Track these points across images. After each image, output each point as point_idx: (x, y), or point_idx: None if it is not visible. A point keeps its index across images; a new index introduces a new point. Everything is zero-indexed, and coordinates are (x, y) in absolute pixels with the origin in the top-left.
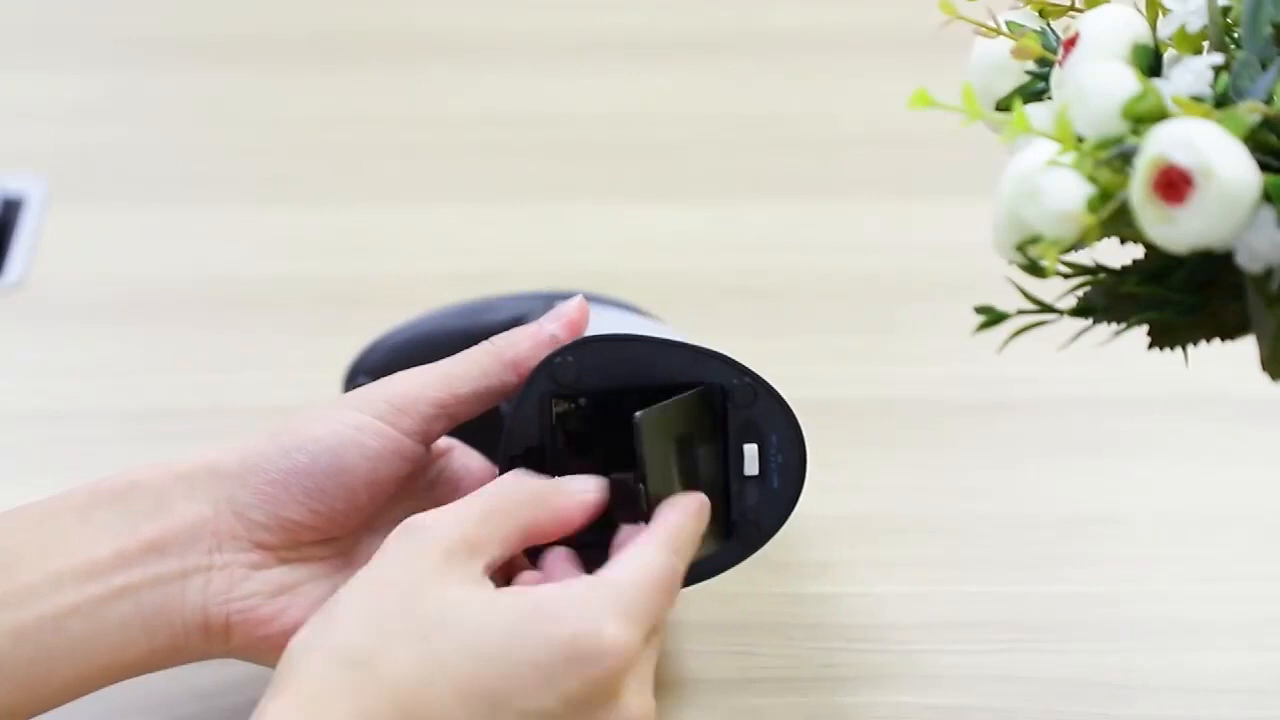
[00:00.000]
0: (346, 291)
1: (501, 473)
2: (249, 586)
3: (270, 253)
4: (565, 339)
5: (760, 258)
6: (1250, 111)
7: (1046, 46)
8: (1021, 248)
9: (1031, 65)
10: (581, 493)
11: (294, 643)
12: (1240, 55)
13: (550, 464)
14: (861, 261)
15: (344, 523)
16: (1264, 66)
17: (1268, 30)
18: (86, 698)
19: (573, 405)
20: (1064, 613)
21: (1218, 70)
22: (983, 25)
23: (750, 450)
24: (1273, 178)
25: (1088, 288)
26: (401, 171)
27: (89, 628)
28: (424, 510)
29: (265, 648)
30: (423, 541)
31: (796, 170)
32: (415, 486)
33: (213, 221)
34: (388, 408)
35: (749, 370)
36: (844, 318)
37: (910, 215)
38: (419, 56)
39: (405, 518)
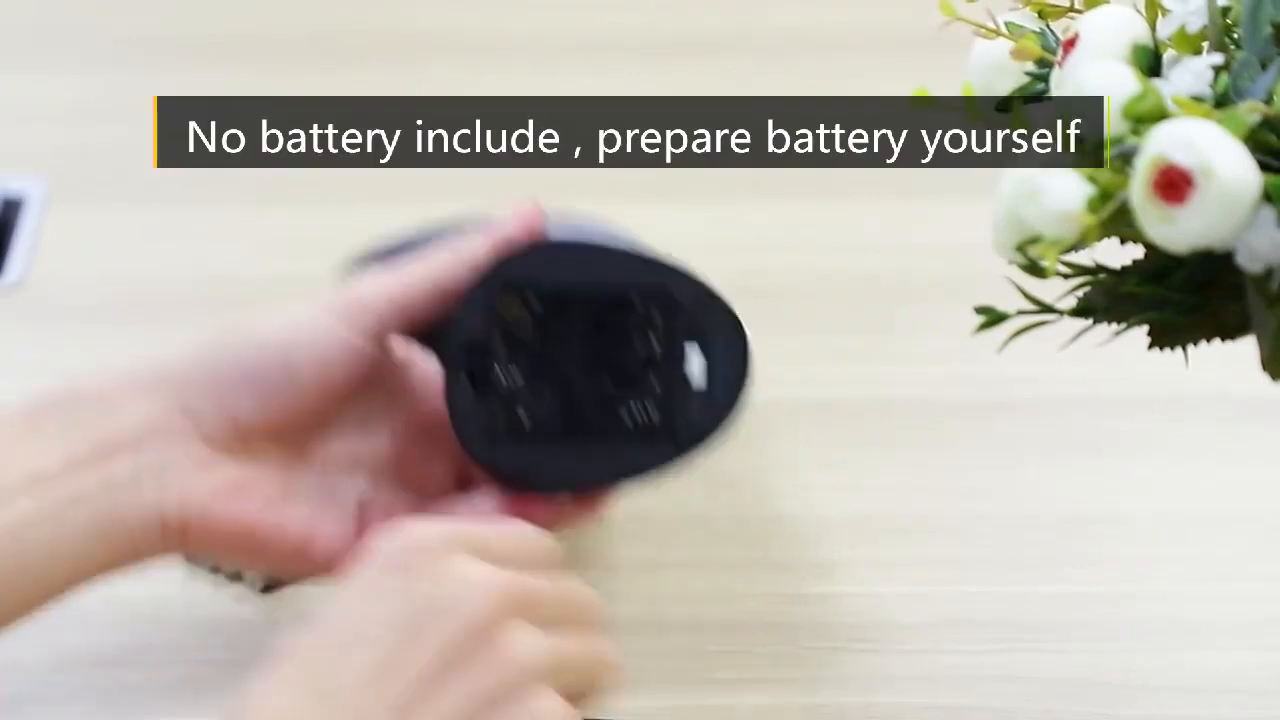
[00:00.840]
0: None
1: (446, 365)
2: (202, 484)
3: (270, 253)
4: (520, 240)
5: (760, 258)
6: (1250, 111)
7: (1046, 47)
8: (1021, 248)
9: (1031, 66)
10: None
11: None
12: (1240, 55)
13: (494, 361)
14: (861, 261)
15: (295, 420)
16: (1264, 66)
17: (1267, 30)
18: None
19: (524, 307)
20: (1064, 613)
21: (1218, 70)
22: (982, 26)
23: (695, 355)
24: (1273, 178)
25: (1088, 288)
26: (401, 171)
27: (46, 537)
28: (382, 413)
29: (221, 544)
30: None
31: (796, 170)
32: (373, 390)
33: (213, 221)
34: (343, 306)
35: (696, 276)
36: (844, 318)
37: (910, 215)
38: (419, 56)
39: (359, 417)
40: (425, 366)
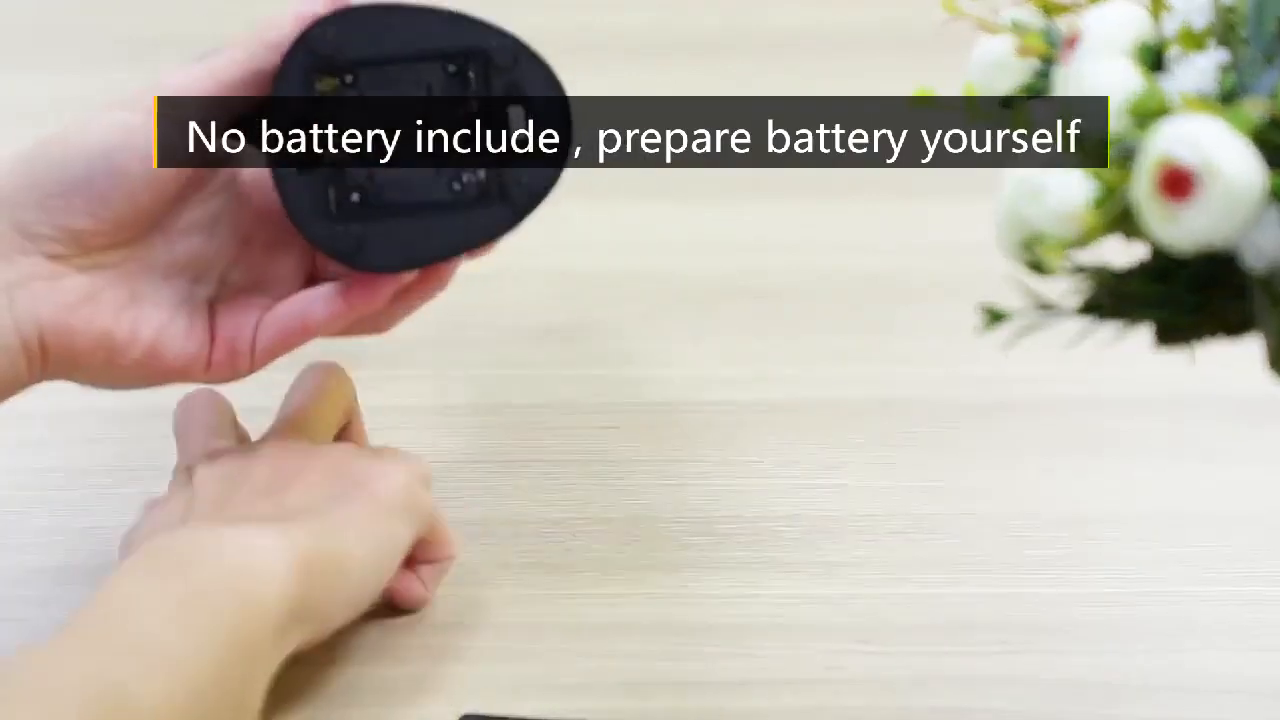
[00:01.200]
0: None
1: (267, 148)
2: (53, 298)
3: None
4: (326, 12)
5: (760, 258)
6: (1256, 108)
7: (1049, 44)
8: (1025, 247)
9: (1034, 63)
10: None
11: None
12: (1245, 51)
13: (315, 139)
14: (861, 261)
15: (131, 224)
16: (1269, 62)
17: (1273, 26)
18: None
19: (338, 80)
20: (1064, 613)
21: (1223, 67)
22: (986, 22)
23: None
24: (1278, 176)
25: (1092, 287)
26: None
27: None
28: (223, 212)
29: (79, 361)
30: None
31: (796, 170)
32: (208, 187)
33: None
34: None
35: (508, 33)
36: (844, 318)
37: (910, 215)
38: None
39: (201, 218)
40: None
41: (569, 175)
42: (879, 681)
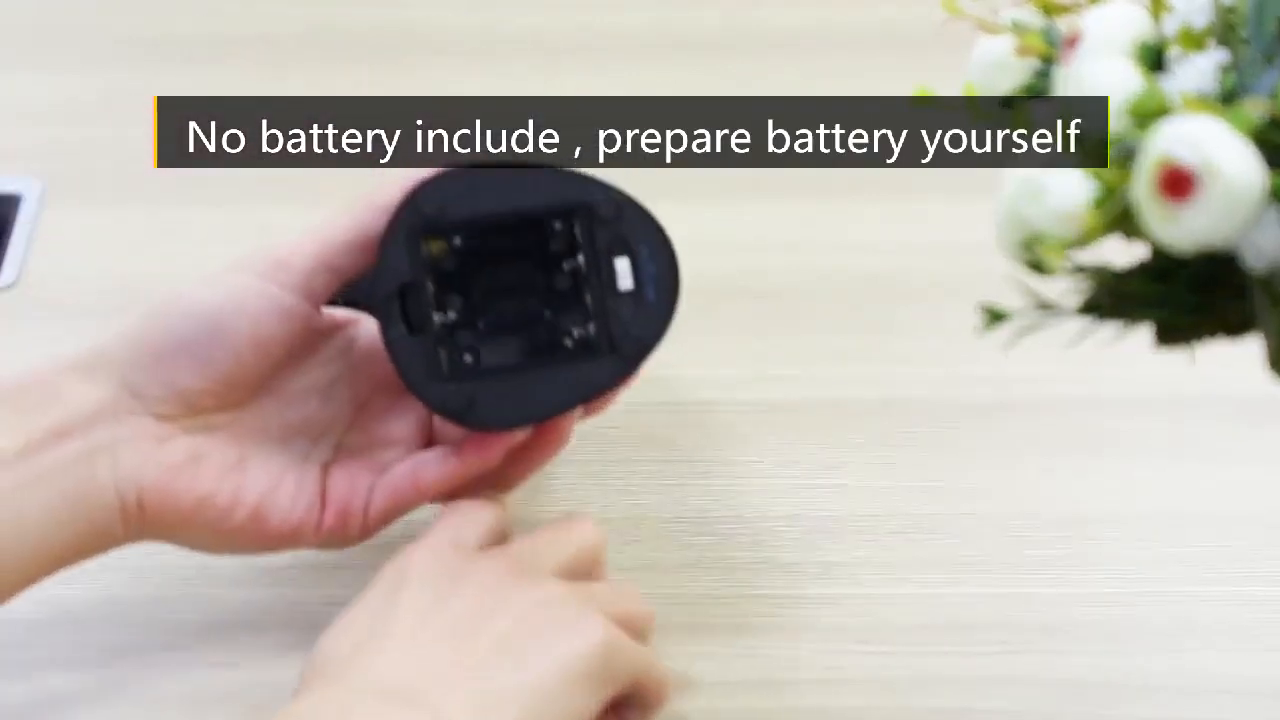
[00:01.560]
0: None
1: (379, 315)
2: (156, 460)
3: None
4: (430, 174)
5: (760, 258)
6: (1256, 108)
7: (1049, 44)
8: (1025, 247)
9: (1034, 63)
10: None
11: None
12: (1245, 51)
13: (426, 300)
14: (861, 261)
15: (238, 386)
16: (1269, 62)
17: (1273, 26)
18: None
19: (444, 242)
20: (1064, 613)
21: (1223, 67)
22: (986, 22)
23: (622, 265)
24: (1278, 176)
25: (1092, 287)
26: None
27: (12, 518)
28: (338, 377)
29: (179, 521)
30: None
31: (796, 170)
32: (323, 353)
33: (212, 221)
34: (264, 266)
35: (610, 186)
36: (844, 318)
37: (910, 215)
38: (418, 56)
39: (316, 383)
40: (373, 328)
41: None
42: (879, 681)
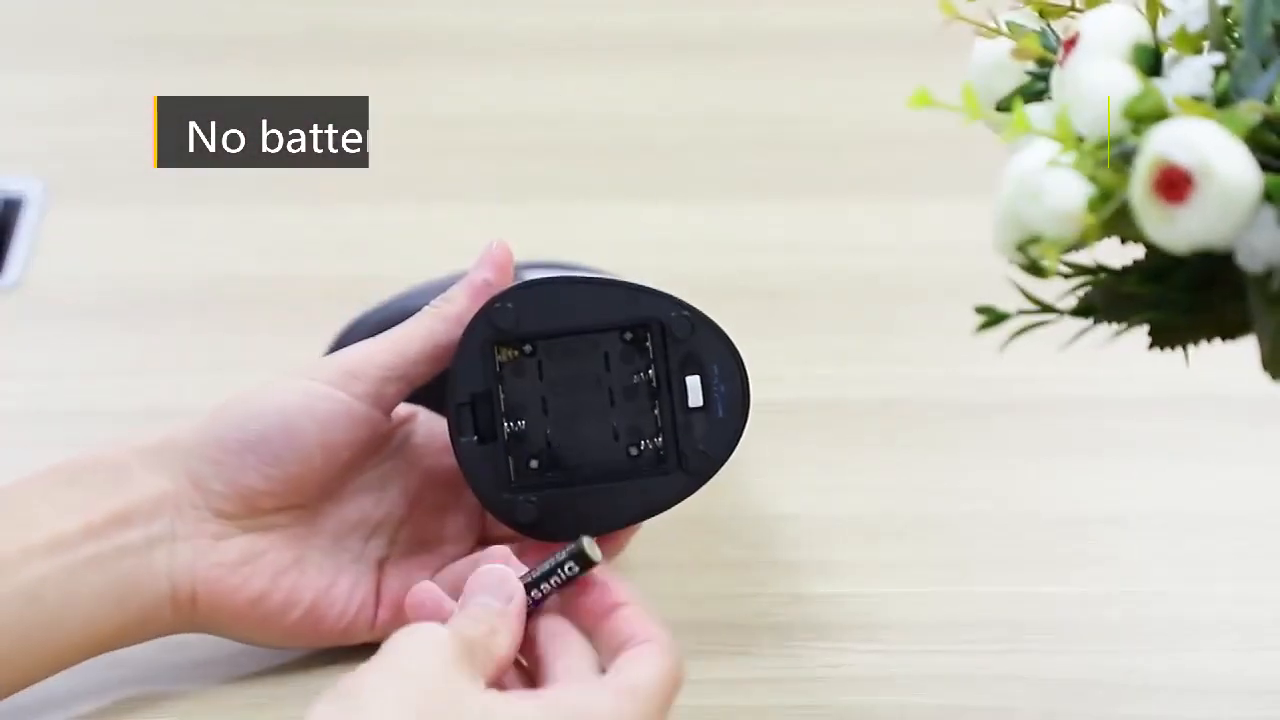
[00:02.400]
0: (346, 291)
1: (450, 423)
2: (213, 556)
3: (270, 253)
4: (498, 282)
5: (760, 258)
6: (1251, 111)
7: (1046, 46)
8: (1022, 248)
9: (1032, 65)
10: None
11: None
12: (1241, 55)
13: (497, 409)
14: (861, 261)
15: (302, 489)
16: (1264, 66)
17: (1268, 29)
18: None
19: (517, 352)
20: (1064, 613)
21: (1218, 70)
22: (983, 25)
23: (693, 382)
24: (1273, 177)
25: (1088, 288)
26: (401, 171)
27: (63, 597)
28: (392, 474)
29: (231, 618)
30: (432, 638)
31: (796, 170)
32: (382, 454)
33: (213, 221)
34: (338, 374)
35: (684, 302)
36: (844, 318)
37: (910, 215)
38: (419, 56)
39: (370, 481)
40: (429, 423)
41: (569, 175)
42: (879, 680)
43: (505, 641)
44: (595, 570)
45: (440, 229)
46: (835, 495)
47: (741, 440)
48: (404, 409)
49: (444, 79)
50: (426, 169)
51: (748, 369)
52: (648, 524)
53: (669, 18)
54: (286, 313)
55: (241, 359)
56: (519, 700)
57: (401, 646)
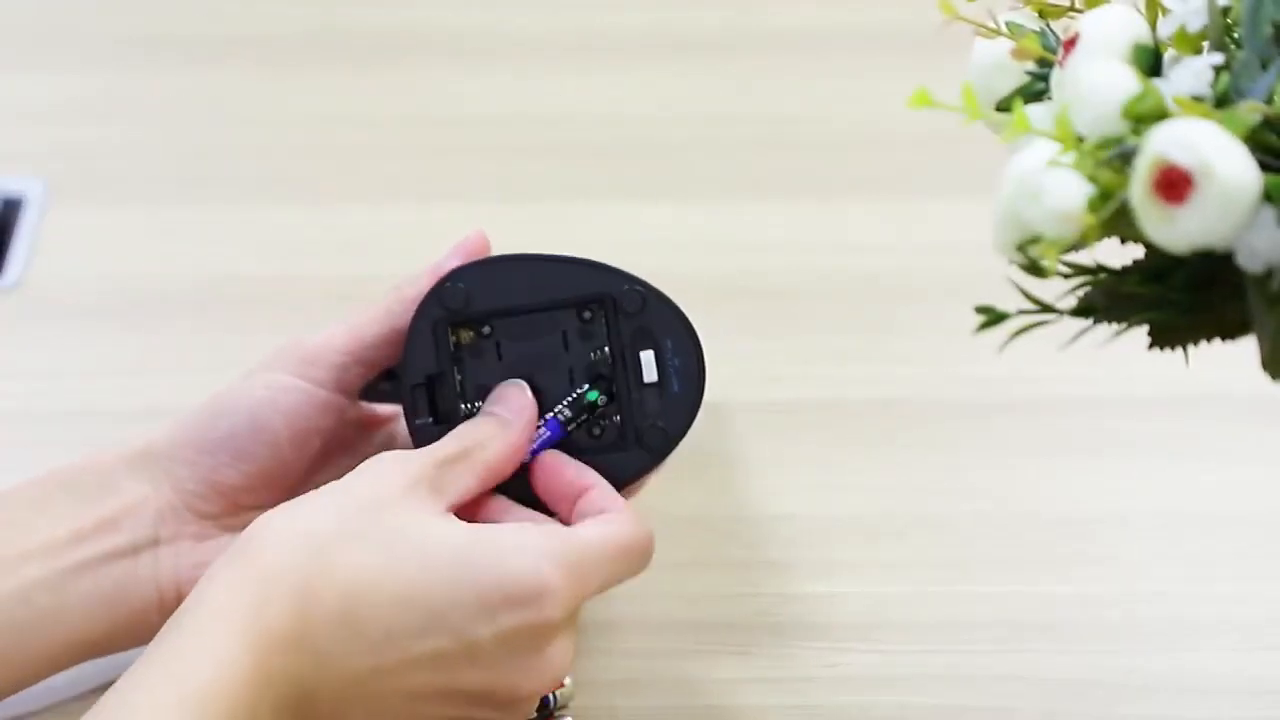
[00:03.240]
0: (346, 291)
1: (405, 405)
2: (196, 557)
3: (270, 253)
4: (456, 268)
5: (760, 258)
6: (1250, 111)
7: (1046, 47)
8: (1022, 248)
9: (1031, 65)
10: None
11: (258, 520)
12: (1240, 55)
13: (452, 390)
14: (861, 261)
15: (276, 481)
16: (1264, 66)
17: (1268, 30)
18: None
19: (475, 333)
20: (1064, 613)
21: (1218, 70)
22: (983, 26)
23: (647, 357)
24: (1273, 177)
25: (1088, 288)
26: (401, 171)
27: (54, 602)
28: None
29: None
30: (392, 469)
31: (796, 170)
32: (359, 449)
33: (213, 221)
34: (297, 362)
35: (635, 277)
36: (844, 318)
37: (910, 215)
38: (419, 56)
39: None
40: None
41: (569, 175)
42: (878, 680)
43: (498, 449)
44: (566, 458)
45: (440, 229)
46: (835, 495)
47: (706, 413)
48: (386, 409)
49: (444, 79)
50: (426, 169)
51: (703, 344)
52: (646, 521)
53: (669, 18)
54: (286, 313)
55: (241, 359)
56: (448, 526)
57: (362, 469)
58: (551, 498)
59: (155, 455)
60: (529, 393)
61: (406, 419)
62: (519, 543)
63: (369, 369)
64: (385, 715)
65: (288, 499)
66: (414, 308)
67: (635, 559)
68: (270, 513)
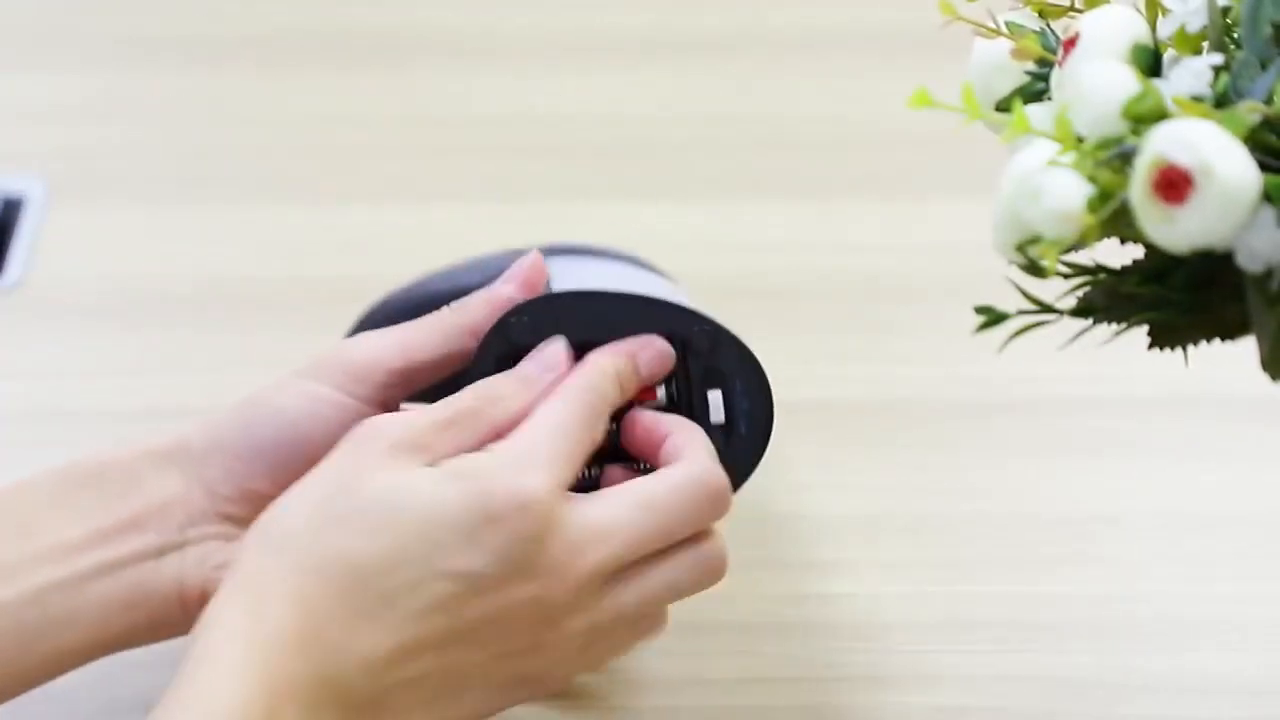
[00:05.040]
0: (346, 291)
1: None
2: (222, 559)
3: (270, 253)
4: (521, 299)
5: (760, 258)
6: (1250, 111)
7: (1046, 47)
8: (1021, 248)
9: (1031, 65)
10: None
11: (244, 537)
12: (1240, 55)
13: None
14: (861, 261)
15: None
16: (1264, 66)
17: (1267, 30)
18: None
19: None
20: (1064, 613)
21: (1217, 70)
22: (983, 26)
23: (715, 397)
24: (1272, 178)
25: (1088, 288)
26: (401, 171)
27: (69, 604)
28: None
29: None
30: (370, 437)
31: (796, 170)
32: None
33: (213, 221)
34: (344, 377)
35: (708, 318)
36: (844, 318)
37: (910, 215)
38: (418, 56)
39: None
40: None
41: (569, 175)
42: (878, 680)
43: (511, 407)
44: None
45: (440, 229)
46: (835, 495)
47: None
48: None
49: (444, 79)
50: (426, 169)
51: (772, 388)
52: None
53: (669, 18)
54: (286, 313)
55: (241, 359)
56: (439, 482)
57: (341, 447)
58: (638, 452)
59: (188, 453)
60: (564, 349)
61: None
62: (482, 462)
63: (412, 388)
64: (430, 696)
65: None
66: (469, 337)
67: (691, 499)
68: (255, 522)
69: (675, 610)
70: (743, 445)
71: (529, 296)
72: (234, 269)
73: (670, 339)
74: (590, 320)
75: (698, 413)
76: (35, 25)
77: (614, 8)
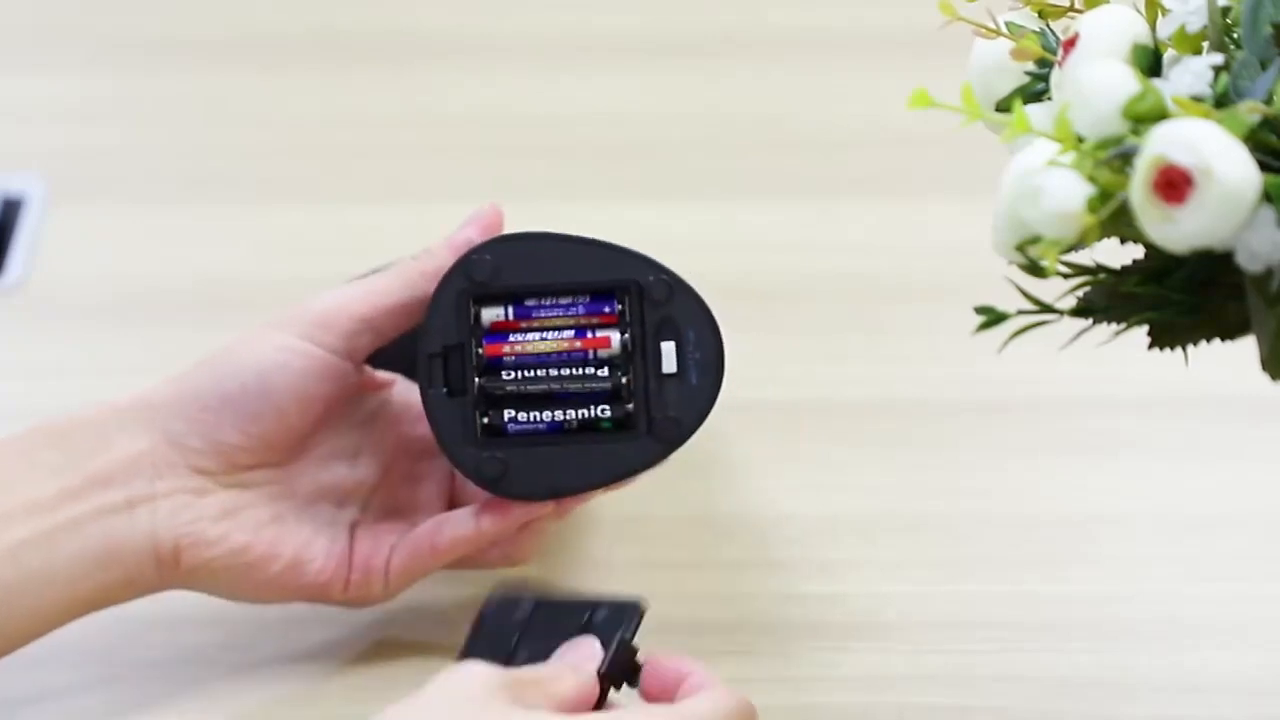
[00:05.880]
0: None
1: (420, 374)
2: (193, 512)
3: (270, 253)
4: (481, 241)
5: (760, 258)
6: (1250, 111)
7: (1046, 47)
8: (1021, 248)
9: (1031, 66)
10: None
11: None
12: (1240, 55)
13: (469, 363)
14: (861, 261)
15: (278, 444)
16: (1264, 66)
17: (1267, 30)
18: None
19: (495, 307)
20: (1064, 613)
21: (1217, 70)
22: (982, 26)
23: (668, 347)
24: (1272, 178)
25: (1088, 288)
26: (401, 171)
27: (43, 560)
28: (366, 440)
29: (212, 572)
30: (473, 676)
31: (796, 170)
32: (353, 415)
33: (212, 221)
34: (310, 326)
35: (665, 267)
36: (844, 318)
37: (910, 215)
38: (419, 56)
39: (345, 446)
40: (406, 392)
41: (569, 175)
42: (878, 679)
43: (568, 685)
44: (658, 652)
45: (440, 229)
46: (835, 495)
47: (713, 410)
48: (382, 376)
49: (444, 79)
50: (426, 169)
51: (724, 338)
52: (646, 521)
53: (669, 18)
54: None
55: None
56: (550, 716)
57: (445, 677)
58: (659, 696)
59: (152, 408)
60: (597, 646)
61: (420, 388)
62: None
63: (380, 337)
64: None
65: (285, 460)
66: (434, 280)
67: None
68: None
69: (675, 610)
70: (693, 395)
71: (487, 239)
72: (234, 269)
73: (627, 286)
74: (548, 263)
75: (650, 361)
76: (35, 25)
77: (613, 8)
